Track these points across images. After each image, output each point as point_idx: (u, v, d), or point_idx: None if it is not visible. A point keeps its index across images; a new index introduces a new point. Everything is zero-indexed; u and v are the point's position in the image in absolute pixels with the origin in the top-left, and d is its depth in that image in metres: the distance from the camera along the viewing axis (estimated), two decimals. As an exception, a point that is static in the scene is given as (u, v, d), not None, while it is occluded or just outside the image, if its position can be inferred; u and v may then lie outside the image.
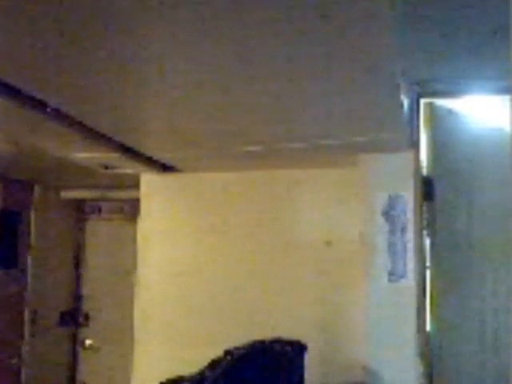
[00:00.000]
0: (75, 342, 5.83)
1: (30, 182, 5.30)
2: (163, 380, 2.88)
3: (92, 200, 5.83)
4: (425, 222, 3.57)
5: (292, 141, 3.60)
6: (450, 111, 3.65)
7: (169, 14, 1.93)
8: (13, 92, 2.62)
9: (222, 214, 4.48)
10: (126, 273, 5.23)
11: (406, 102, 3.14)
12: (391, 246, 3.59)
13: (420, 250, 3.55)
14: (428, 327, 3.50)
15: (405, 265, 3.58)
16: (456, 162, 3.66)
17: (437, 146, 3.57)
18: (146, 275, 4.57)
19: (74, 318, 5.75)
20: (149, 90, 2.77)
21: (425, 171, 3.58)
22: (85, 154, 3.91)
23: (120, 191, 5.44)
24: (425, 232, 3.57)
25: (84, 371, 5.81)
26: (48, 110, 2.85)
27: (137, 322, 4.55)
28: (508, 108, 3.25)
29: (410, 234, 3.59)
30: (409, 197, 3.60)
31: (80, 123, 3.17)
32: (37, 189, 5.40)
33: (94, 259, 5.88)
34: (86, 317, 5.73)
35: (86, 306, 5.81)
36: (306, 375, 3.34)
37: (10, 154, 4.11)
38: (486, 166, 3.71)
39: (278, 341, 3.30)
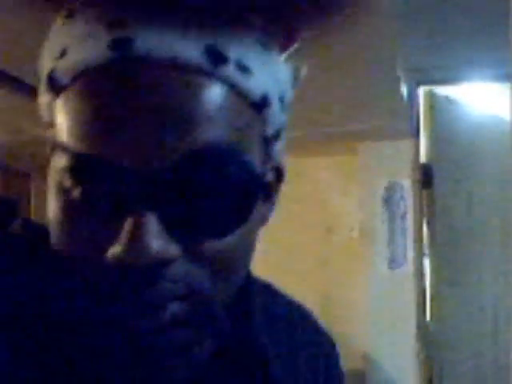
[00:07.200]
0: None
1: (28, 171, 5.30)
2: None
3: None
4: (424, 210, 3.58)
5: (292, 129, 3.59)
6: (449, 99, 3.65)
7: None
8: (14, 82, 2.63)
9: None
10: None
11: (405, 90, 3.15)
12: (391, 234, 3.61)
13: (419, 237, 3.57)
14: (427, 314, 3.52)
15: (404, 252, 3.60)
16: (455, 149, 3.66)
17: (436, 134, 3.57)
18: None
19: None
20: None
21: (424, 159, 3.59)
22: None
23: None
24: (424, 219, 3.59)
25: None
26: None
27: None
28: (508, 96, 3.25)
29: (410, 222, 3.61)
30: (408, 184, 3.61)
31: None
32: (36, 179, 5.39)
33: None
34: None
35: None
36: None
37: (10, 143, 4.11)
38: (486, 154, 3.72)
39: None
